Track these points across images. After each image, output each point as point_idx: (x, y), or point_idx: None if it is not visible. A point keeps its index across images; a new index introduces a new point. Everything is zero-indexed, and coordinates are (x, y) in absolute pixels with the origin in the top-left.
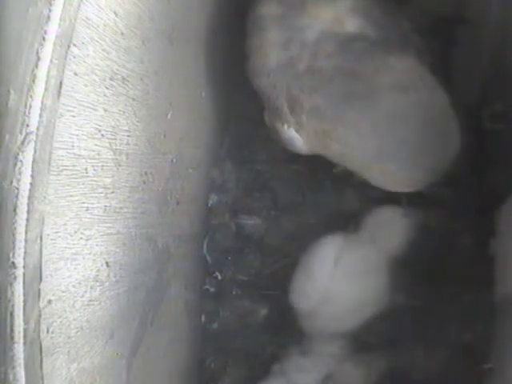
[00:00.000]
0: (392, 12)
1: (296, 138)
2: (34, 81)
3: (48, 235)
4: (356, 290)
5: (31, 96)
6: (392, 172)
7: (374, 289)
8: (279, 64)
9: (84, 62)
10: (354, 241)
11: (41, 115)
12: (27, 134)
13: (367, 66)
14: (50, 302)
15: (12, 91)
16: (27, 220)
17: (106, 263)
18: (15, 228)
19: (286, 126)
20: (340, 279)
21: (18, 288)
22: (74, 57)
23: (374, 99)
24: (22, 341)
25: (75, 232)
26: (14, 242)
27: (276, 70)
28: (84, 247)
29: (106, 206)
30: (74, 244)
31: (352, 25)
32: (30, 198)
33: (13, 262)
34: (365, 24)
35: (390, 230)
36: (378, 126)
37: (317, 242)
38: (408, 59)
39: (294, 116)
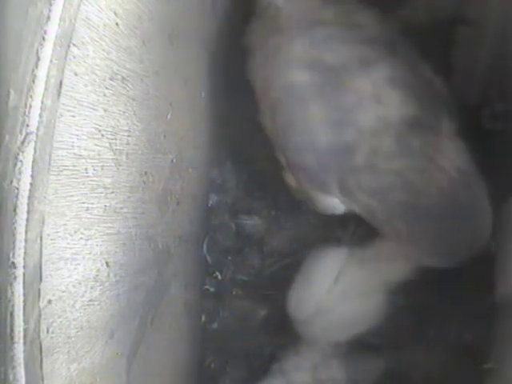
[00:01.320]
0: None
1: (337, 205)
2: (33, 81)
3: (48, 235)
4: (352, 308)
5: (31, 96)
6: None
7: (370, 309)
8: (331, 147)
9: (84, 62)
10: (358, 259)
11: (41, 115)
12: (27, 134)
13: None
14: (49, 301)
15: (12, 91)
16: (27, 220)
17: (106, 263)
18: (15, 228)
19: (327, 196)
20: (338, 296)
21: (18, 288)
22: (74, 57)
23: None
24: (21, 341)
25: (75, 232)
26: (14, 242)
27: (328, 151)
28: (84, 247)
29: (105, 205)
30: (74, 244)
31: (394, 102)
32: (30, 198)
33: (13, 262)
34: (406, 99)
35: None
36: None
37: (320, 252)
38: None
39: (343, 195)
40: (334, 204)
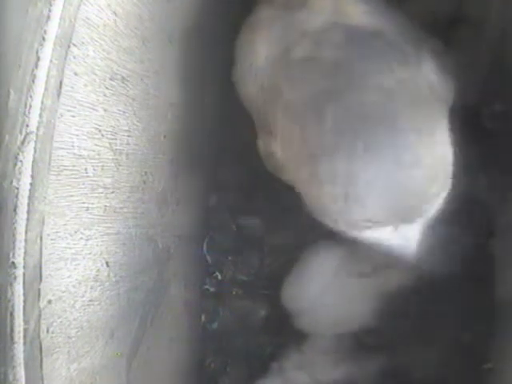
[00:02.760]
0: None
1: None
2: (33, 81)
3: (48, 235)
4: (345, 307)
5: (31, 96)
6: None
7: (365, 308)
8: (270, 57)
9: (84, 62)
10: (356, 255)
11: (41, 115)
12: (27, 133)
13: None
14: (49, 301)
15: (12, 91)
16: (27, 220)
17: (106, 263)
18: (15, 228)
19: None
20: (332, 293)
21: (18, 288)
22: (74, 57)
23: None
24: (21, 341)
25: (75, 232)
26: (14, 242)
27: (265, 64)
28: (84, 247)
29: (105, 205)
30: (74, 244)
31: (359, 16)
32: (30, 197)
33: (13, 262)
34: (373, 17)
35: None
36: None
37: (317, 248)
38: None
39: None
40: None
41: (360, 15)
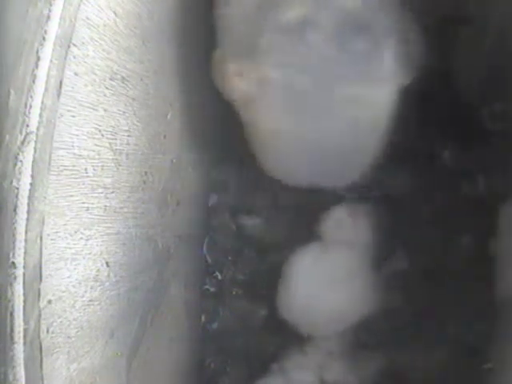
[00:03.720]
0: None
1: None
2: (33, 81)
3: (48, 235)
4: (336, 297)
5: (31, 96)
6: None
7: (355, 295)
8: None
9: (84, 62)
10: (325, 248)
11: (41, 115)
12: (27, 133)
13: None
14: (49, 301)
15: (12, 91)
16: (27, 220)
17: (106, 263)
18: (15, 228)
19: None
20: (318, 288)
21: (18, 288)
22: (74, 57)
23: None
24: (21, 341)
25: (75, 232)
26: (14, 242)
27: None
28: (84, 247)
29: (105, 205)
30: (74, 244)
31: None
32: (30, 197)
33: (13, 262)
34: None
35: (350, 225)
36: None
37: (295, 253)
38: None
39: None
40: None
41: None
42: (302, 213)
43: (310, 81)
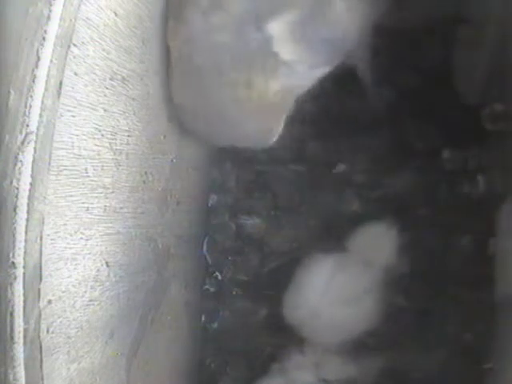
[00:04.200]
0: None
1: None
2: (33, 81)
3: (48, 235)
4: (345, 312)
5: (31, 96)
6: None
7: (364, 311)
8: None
9: (84, 62)
10: (345, 263)
11: (41, 115)
12: (27, 133)
13: None
14: (49, 301)
15: (12, 91)
16: (27, 220)
17: (106, 263)
18: (15, 228)
19: None
20: (330, 299)
21: (18, 288)
22: (74, 57)
23: None
24: (21, 341)
25: (75, 232)
26: (13, 242)
27: None
28: (84, 247)
29: (105, 205)
30: (74, 244)
31: None
32: (29, 198)
33: (13, 262)
34: None
35: (378, 245)
36: None
37: (310, 258)
38: None
39: None
40: None
41: None
42: (303, 214)
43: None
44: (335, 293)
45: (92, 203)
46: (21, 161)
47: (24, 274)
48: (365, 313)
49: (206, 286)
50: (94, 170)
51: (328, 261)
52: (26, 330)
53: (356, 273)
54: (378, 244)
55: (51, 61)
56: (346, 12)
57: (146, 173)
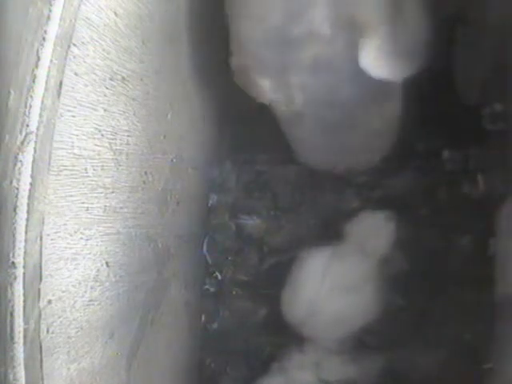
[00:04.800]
0: None
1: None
2: (34, 81)
3: (48, 235)
4: (343, 304)
5: (31, 96)
6: None
7: (363, 302)
8: (280, 35)
9: (84, 62)
10: (341, 253)
11: (41, 115)
12: (27, 133)
13: None
14: (49, 301)
15: (12, 91)
16: (27, 220)
17: (106, 263)
18: (15, 228)
19: (262, 79)
20: (326, 295)
21: (18, 288)
22: (74, 57)
23: None
24: (21, 341)
25: (75, 232)
26: (13, 242)
27: (275, 38)
28: (84, 247)
29: (105, 205)
30: (74, 244)
31: None
32: (29, 198)
33: (13, 262)
34: None
35: (375, 234)
36: None
37: (305, 254)
38: None
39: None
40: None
41: None
42: (303, 214)
43: None
44: (333, 282)
45: (92, 203)
46: (21, 161)
47: (24, 274)
48: (364, 303)
49: (206, 286)
50: (94, 170)
51: (324, 252)
52: (26, 330)
53: (353, 261)
54: (375, 233)
55: (51, 61)
56: (417, 12)
57: (145, 173)
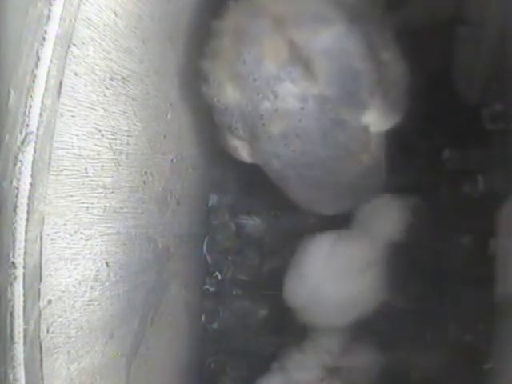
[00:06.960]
0: None
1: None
2: (34, 81)
3: (48, 235)
4: (346, 289)
5: (31, 96)
6: None
7: (366, 287)
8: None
9: (84, 62)
10: (347, 237)
11: (41, 115)
12: (27, 134)
13: None
14: (49, 301)
15: (12, 91)
16: (27, 220)
17: (106, 263)
18: (15, 228)
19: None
20: (330, 279)
21: (18, 288)
22: (74, 57)
23: None
24: (21, 341)
25: (75, 232)
26: (13, 242)
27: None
28: (84, 247)
29: (105, 205)
30: (73, 244)
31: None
32: (29, 198)
33: (13, 262)
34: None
35: (385, 215)
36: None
37: (309, 239)
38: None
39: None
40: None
41: None
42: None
43: None
44: (334, 269)
45: (92, 203)
46: (21, 161)
47: (24, 274)
48: (369, 288)
49: (206, 286)
50: (94, 170)
51: (328, 237)
52: (25, 330)
53: (357, 245)
54: (380, 217)
55: (51, 61)
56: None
57: (146, 173)
